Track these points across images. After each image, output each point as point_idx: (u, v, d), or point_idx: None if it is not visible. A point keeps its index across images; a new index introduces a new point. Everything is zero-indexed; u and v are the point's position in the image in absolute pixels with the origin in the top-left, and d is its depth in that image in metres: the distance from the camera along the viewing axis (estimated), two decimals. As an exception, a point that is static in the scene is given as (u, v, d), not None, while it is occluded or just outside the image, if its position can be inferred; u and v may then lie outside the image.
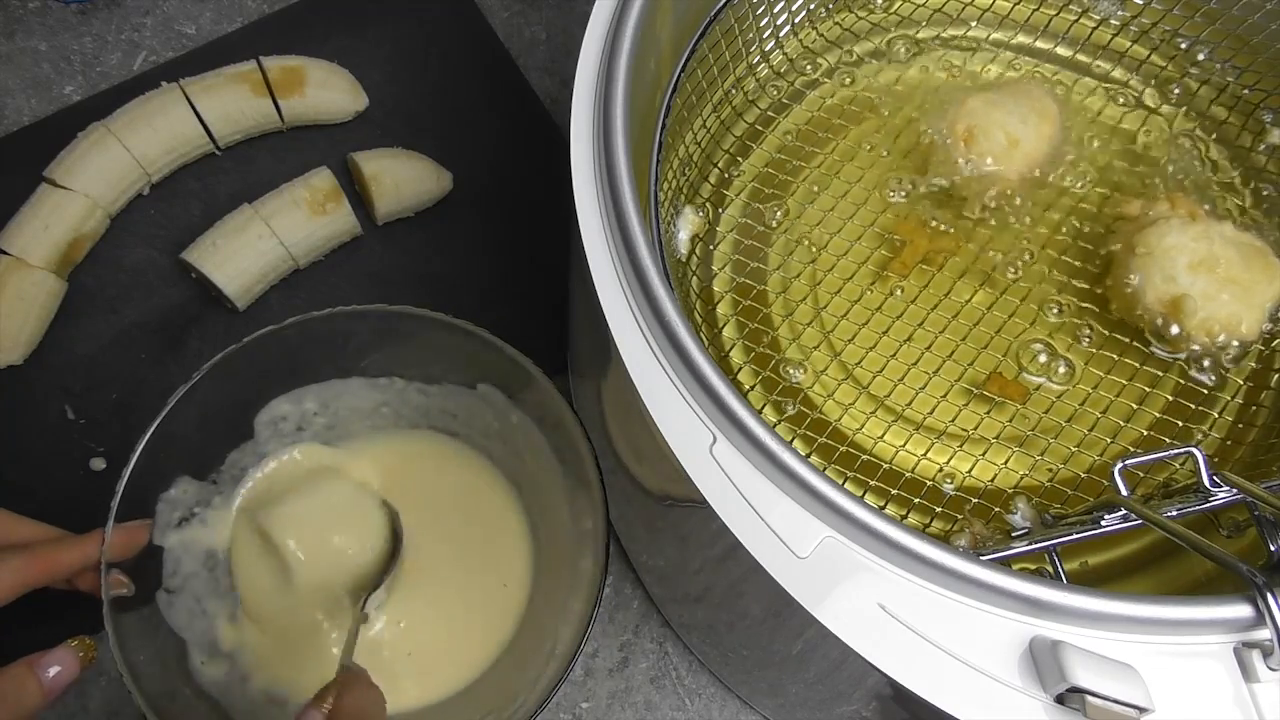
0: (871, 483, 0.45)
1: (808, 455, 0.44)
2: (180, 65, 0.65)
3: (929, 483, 0.45)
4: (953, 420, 0.47)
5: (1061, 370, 0.48)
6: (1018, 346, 0.48)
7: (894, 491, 0.45)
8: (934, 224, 0.50)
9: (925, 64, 0.55)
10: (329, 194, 0.60)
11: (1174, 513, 0.39)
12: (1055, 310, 0.49)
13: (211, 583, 0.48)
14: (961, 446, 0.46)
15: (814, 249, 0.50)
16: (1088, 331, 0.48)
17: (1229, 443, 0.48)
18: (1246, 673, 0.32)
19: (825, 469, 0.46)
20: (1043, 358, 0.48)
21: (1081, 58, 0.56)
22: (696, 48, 0.49)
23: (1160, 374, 0.48)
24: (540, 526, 0.52)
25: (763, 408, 0.47)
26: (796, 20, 0.55)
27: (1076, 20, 0.56)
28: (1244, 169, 0.53)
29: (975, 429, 0.47)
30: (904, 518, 0.45)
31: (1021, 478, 0.46)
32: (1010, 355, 0.48)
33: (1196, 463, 0.39)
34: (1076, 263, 0.50)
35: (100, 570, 0.42)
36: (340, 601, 0.48)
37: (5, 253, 0.57)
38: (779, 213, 0.51)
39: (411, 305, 0.47)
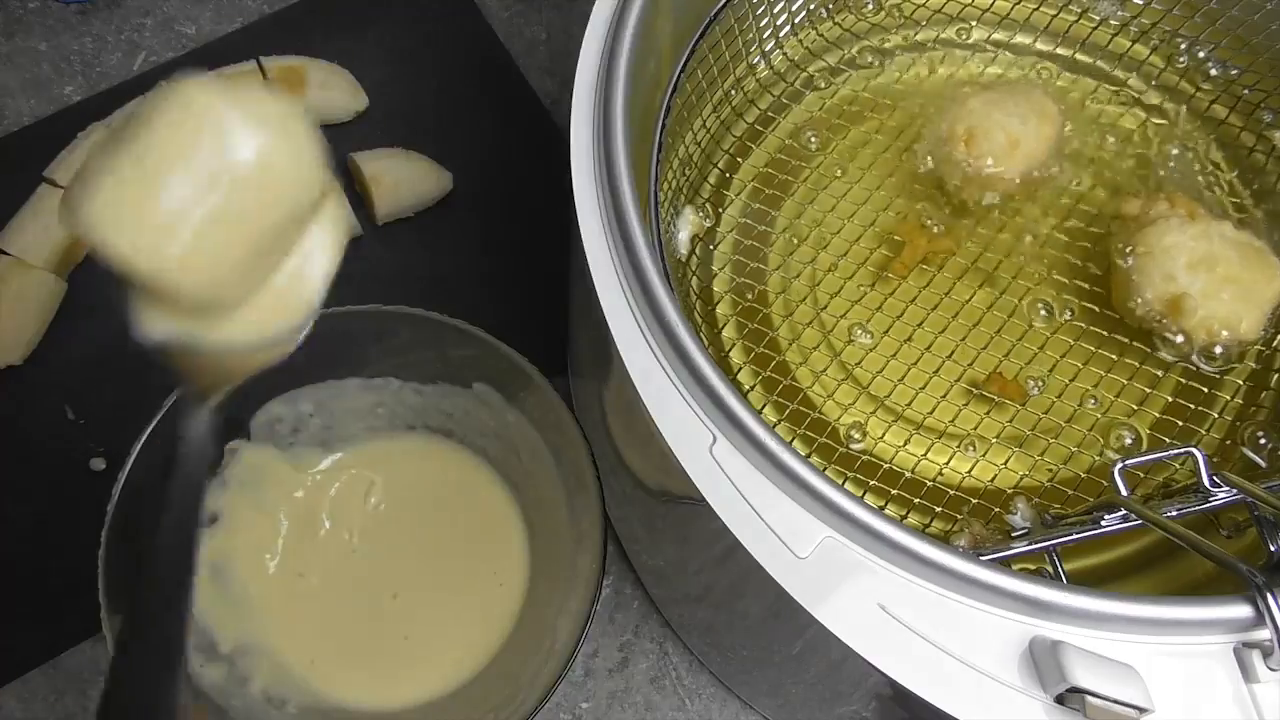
0: (871, 483, 0.45)
1: (808, 455, 0.44)
2: (180, 65, 0.65)
3: (929, 483, 0.45)
4: (953, 420, 0.47)
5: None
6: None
7: (894, 491, 0.45)
8: (934, 224, 0.50)
9: (925, 64, 0.55)
10: (329, 194, 0.60)
11: (1174, 513, 0.39)
12: (1055, 310, 0.49)
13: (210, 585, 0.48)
14: (961, 447, 0.46)
15: (814, 249, 0.50)
16: (1087, 330, 0.48)
17: (1229, 443, 0.48)
18: (1246, 673, 0.32)
19: (825, 469, 0.46)
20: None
21: (1081, 58, 0.56)
22: (696, 48, 0.49)
23: (1160, 374, 0.48)
24: (538, 526, 0.52)
25: (763, 408, 0.47)
26: (796, 21, 0.55)
27: (1076, 20, 0.56)
28: (1244, 169, 0.53)
29: (975, 429, 0.47)
30: (904, 518, 0.45)
31: (1021, 478, 0.46)
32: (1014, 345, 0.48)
33: (1196, 463, 0.39)
34: (1077, 262, 0.50)
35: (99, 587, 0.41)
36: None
37: (5, 253, 0.57)
38: (779, 213, 0.51)
39: (411, 305, 0.47)
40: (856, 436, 0.47)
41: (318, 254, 0.30)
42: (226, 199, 0.25)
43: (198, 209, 0.25)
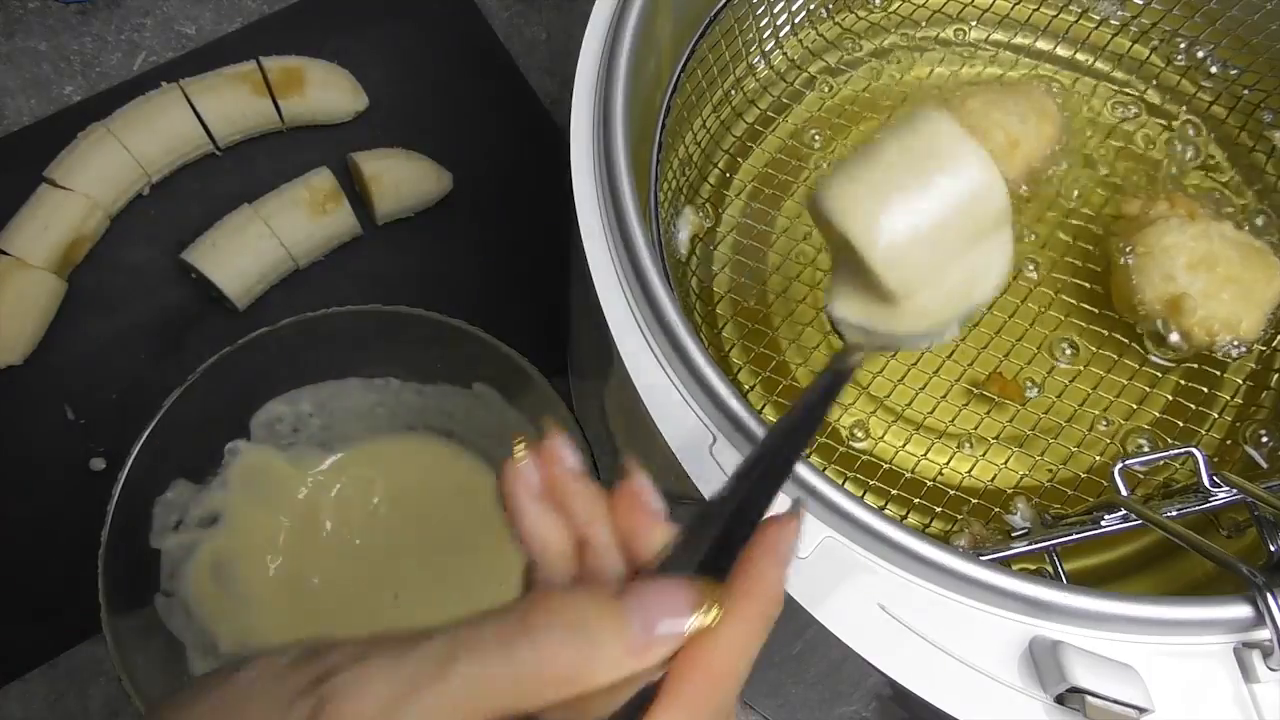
0: (871, 483, 0.45)
1: (808, 455, 0.44)
2: (180, 65, 0.65)
3: (929, 483, 0.45)
4: (953, 420, 0.47)
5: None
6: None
7: (894, 491, 0.45)
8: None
9: (925, 64, 0.55)
10: (329, 194, 0.60)
11: (1174, 513, 0.39)
12: (1055, 309, 0.49)
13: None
14: (961, 446, 0.46)
15: (814, 249, 0.50)
16: (1086, 330, 0.49)
17: (1229, 443, 0.48)
18: (1246, 673, 0.32)
19: (825, 469, 0.46)
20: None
21: (1081, 58, 0.56)
22: (696, 48, 0.49)
23: (1160, 374, 0.48)
24: (540, 526, 0.52)
25: (763, 408, 0.47)
26: (796, 21, 0.55)
27: (1076, 20, 0.56)
28: (1244, 169, 0.53)
29: (975, 429, 0.47)
30: (904, 518, 0.45)
31: (1021, 478, 0.46)
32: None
33: (1196, 463, 0.39)
34: (1077, 262, 0.50)
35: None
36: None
37: (5, 253, 0.57)
38: (779, 213, 0.51)
39: (411, 305, 0.47)
40: (859, 436, 0.47)
41: (984, 279, 0.34)
42: (942, 209, 0.32)
43: (921, 213, 0.32)
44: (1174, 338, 0.45)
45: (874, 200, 0.32)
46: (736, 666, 0.23)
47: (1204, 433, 0.47)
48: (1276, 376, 0.49)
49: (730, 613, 0.22)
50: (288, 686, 0.20)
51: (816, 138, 0.53)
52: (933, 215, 0.32)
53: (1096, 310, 0.49)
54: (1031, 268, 0.50)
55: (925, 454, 0.46)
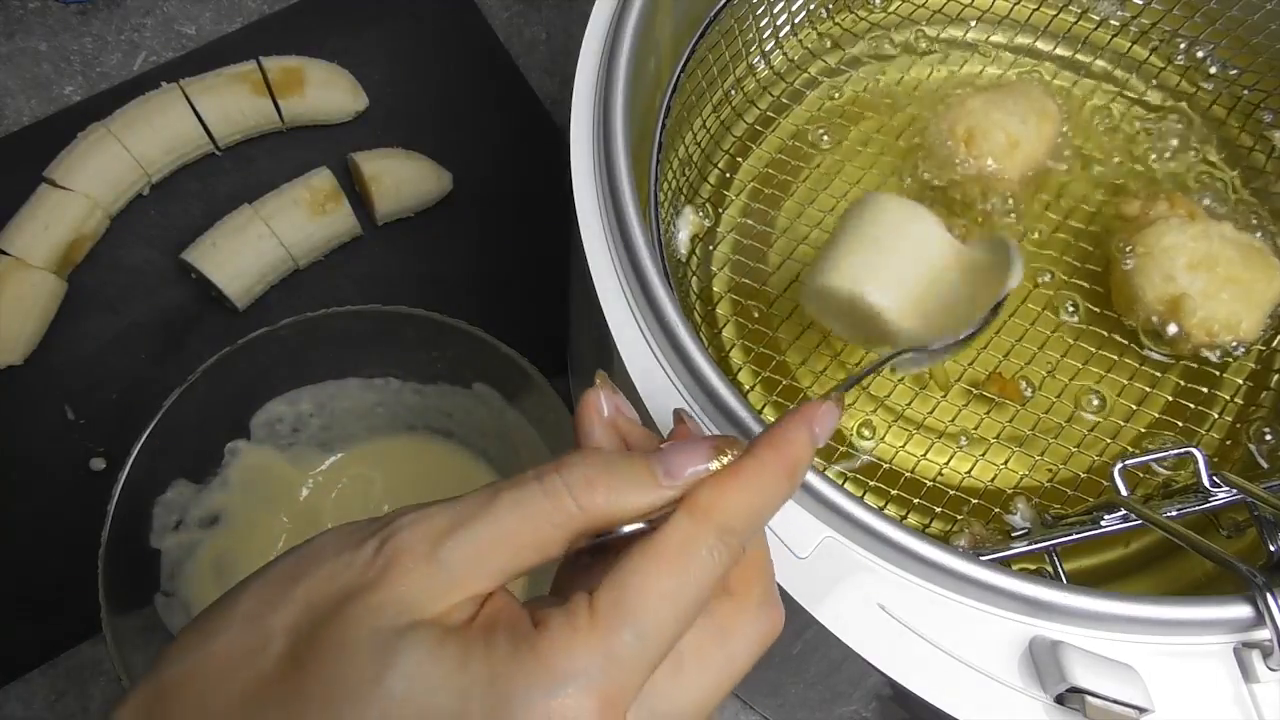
0: (871, 483, 0.45)
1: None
2: (180, 65, 0.65)
3: (929, 483, 0.45)
4: (952, 420, 0.47)
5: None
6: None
7: (894, 492, 0.45)
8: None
9: (925, 64, 0.55)
10: (329, 194, 0.60)
11: (1174, 513, 0.39)
12: (1054, 310, 0.49)
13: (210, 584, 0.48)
14: (961, 446, 0.46)
15: (814, 249, 0.50)
16: (1085, 331, 0.49)
17: (1229, 443, 0.48)
18: (1246, 673, 0.32)
19: (825, 469, 0.46)
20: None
21: (1081, 57, 0.56)
22: (696, 48, 0.49)
23: (1160, 374, 0.48)
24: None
25: (763, 408, 0.47)
26: (796, 21, 0.55)
27: (1077, 20, 0.56)
28: (1244, 169, 0.53)
29: (975, 429, 0.47)
30: (904, 518, 0.45)
31: (1021, 478, 0.46)
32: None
33: (1196, 463, 0.39)
34: (1076, 263, 0.50)
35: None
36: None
37: (5, 253, 0.57)
38: (779, 213, 0.51)
39: (411, 305, 0.47)
40: (864, 435, 0.47)
41: (979, 299, 0.40)
42: (920, 260, 0.40)
43: (905, 266, 0.40)
44: (1172, 329, 0.45)
45: (841, 259, 0.40)
46: (752, 502, 0.25)
47: (1204, 433, 0.47)
48: (1276, 377, 0.49)
49: (750, 455, 0.25)
50: (360, 533, 0.23)
51: (824, 136, 0.53)
52: (877, 240, 0.40)
53: (1097, 310, 0.49)
54: (1030, 239, 0.50)
55: (925, 454, 0.46)
